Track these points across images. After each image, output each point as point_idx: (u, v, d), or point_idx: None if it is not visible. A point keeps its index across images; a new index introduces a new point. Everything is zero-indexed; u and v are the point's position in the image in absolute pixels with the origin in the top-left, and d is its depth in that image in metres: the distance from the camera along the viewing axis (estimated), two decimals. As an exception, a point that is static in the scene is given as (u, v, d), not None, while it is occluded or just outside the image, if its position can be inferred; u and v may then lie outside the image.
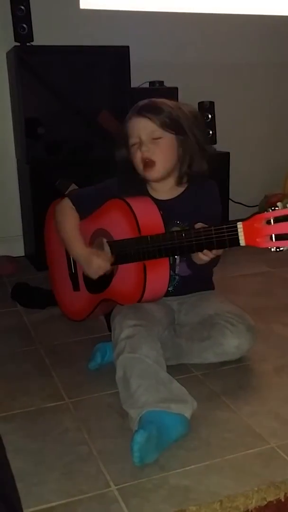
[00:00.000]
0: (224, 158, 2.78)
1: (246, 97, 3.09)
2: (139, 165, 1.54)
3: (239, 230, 1.25)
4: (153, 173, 1.54)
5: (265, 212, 1.20)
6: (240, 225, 1.25)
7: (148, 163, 1.52)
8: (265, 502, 1.04)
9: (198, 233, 1.33)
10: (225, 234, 1.28)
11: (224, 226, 1.28)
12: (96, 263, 1.56)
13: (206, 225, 1.35)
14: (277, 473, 1.13)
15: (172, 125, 1.50)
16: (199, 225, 1.38)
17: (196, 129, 1.55)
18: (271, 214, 1.19)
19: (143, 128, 1.50)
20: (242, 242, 1.25)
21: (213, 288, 1.72)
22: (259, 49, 3.03)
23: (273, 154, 3.21)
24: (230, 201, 2.90)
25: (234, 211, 2.81)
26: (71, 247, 1.65)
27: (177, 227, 1.55)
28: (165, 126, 1.50)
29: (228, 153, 2.80)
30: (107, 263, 1.55)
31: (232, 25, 2.94)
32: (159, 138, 1.50)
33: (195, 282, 1.63)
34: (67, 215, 1.66)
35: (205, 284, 1.69)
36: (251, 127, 3.14)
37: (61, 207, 1.67)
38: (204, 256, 1.37)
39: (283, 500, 1.05)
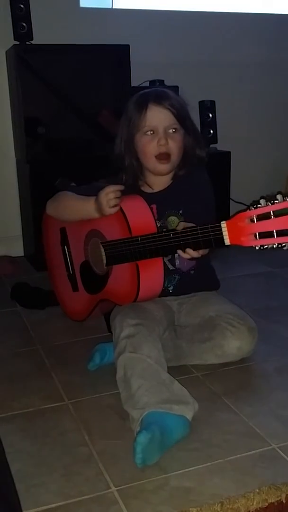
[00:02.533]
0: (225, 157, 2.78)
1: (247, 96, 3.08)
2: (151, 157, 1.52)
3: (223, 229, 1.24)
4: (167, 167, 1.53)
5: (248, 210, 1.19)
6: (224, 224, 1.24)
7: (165, 157, 1.50)
8: (266, 504, 1.04)
9: (185, 233, 1.32)
10: (210, 233, 1.26)
11: (209, 225, 1.27)
12: (103, 192, 1.47)
13: (191, 224, 1.34)
14: (278, 474, 1.12)
15: (184, 118, 1.52)
16: (182, 224, 1.38)
17: (191, 118, 1.57)
18: (253, 212, 1.17)
19: (163, 120, 1.49)
20: (227, 241, 1.24)
21: (217, 287, 1.71)
22: (260, 47, 3.02)
23: (274, 154, 3.20)
24: (231, 201, 2.89)
25: (235, 211, 2.80)
26: (83, 210, 1.57)
27: (173, 216, 1.55)
28: (180, 120, 1.50)
29: (229, 152, 2.79)
30: (111, 187, 1.47)
31: (233, 24, 2.93)
32: (175, 131, 1.50)
33: (196, 281, 1.62)
34: (60, 195, 1.68)
35: (206, 282, 1.67)
36: (252, 127, 3.13)
37: (53, 198, 1.70)
38: (187, 256, 1.35)
39: (284, 501, 1.04)
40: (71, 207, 1.63)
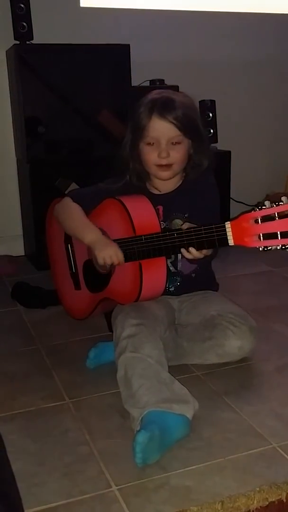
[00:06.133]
0: (226, 157, 2.78)
1: (247, 95, 3.08)
2: (151, 165, 1.51)
3: (227, 229, 1.25)
4: (168, 174, 1.52)
5: (253, 211, 1.19)
6: (228, 225, 1.24)
7: (165, 168, 1.51)
8: (267, 503, 1.04)
9: (189, 233, 1.32)
10: (214, 233, 1.27)
11: (213, 226, 1.27)
12: (113, 248, 1.47)
13: (194, 225, 1.35)
14: (278, 473, 1.12)
15: (190, 129, 1.49)
16: (187, 224, 1.38)
17: (202, 125, 1.55)
18: (258, 213, 1.18)
19: (166, 133, 1.47)
20: (230, 241, 1.24)
21: (216, 289, 1.72)
22: (260, 47, 3.03)
23: (274, 153, 3.20)
24: (231, 200, 2.89)
25: (235, 211, 2.80)
26: (85, 233, 1.56)
27: (178, 219, 1.55)
28: (185, 132, 1.48)
29: (230, 152, 2.79)
30: (122, 254, 1.48)
31: (233, 23, 2.93)
32: (179, 143, 1.49)
33: (197, 283, 1.63)
34: (71, 207, 1.62)
35: (207, 284, 1.69)
36: (253, 126, 3.13)
37: (63, 204, 1.65)
38: (189, 255, 1.35)
39: (284, 500, 1.04)
40: (73, 224, 1.62)
